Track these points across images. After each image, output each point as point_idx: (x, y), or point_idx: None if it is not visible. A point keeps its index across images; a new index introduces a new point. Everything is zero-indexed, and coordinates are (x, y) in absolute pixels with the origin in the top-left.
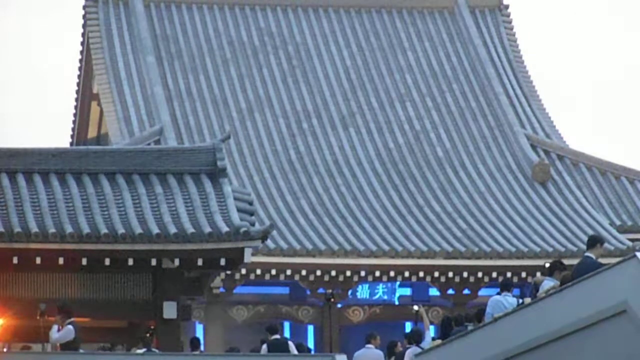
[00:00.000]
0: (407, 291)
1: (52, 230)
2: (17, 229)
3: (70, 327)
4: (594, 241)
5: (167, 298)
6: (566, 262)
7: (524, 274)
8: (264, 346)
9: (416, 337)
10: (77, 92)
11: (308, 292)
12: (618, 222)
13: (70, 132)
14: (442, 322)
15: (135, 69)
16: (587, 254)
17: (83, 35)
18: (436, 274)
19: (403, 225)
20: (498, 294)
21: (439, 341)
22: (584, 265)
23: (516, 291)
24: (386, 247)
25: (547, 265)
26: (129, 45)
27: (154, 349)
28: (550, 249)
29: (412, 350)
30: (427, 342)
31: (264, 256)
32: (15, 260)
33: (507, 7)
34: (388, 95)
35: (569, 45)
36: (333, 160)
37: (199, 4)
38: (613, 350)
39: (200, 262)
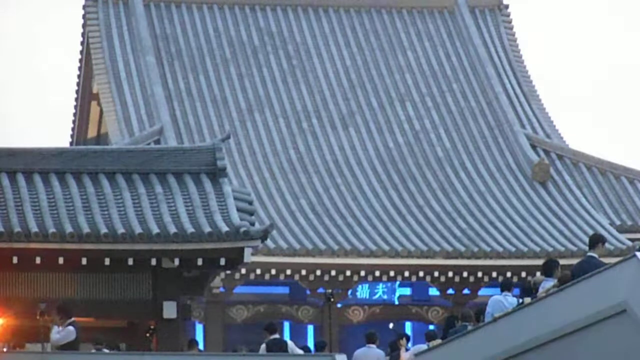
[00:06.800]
0: (407, 291)
1: (52, 230)
2: (17, 229)
3: (71, 328)
4: (596, 240)
5: (167, 298)
6: (566, 262)
7: (524, 274)
8: (263, 346)
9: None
10: (77, 92)
11: (308, 292)
12: (618, 222)
13: (70, 132)
14: (446, 321)
15: (135, 69)
16: (590, 253)
17: (83, 35)
18: (436, 274)
19: (403, 225)
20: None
21: (439, 341)
22: (590, 265)
23: (516, 291)
24: (386, 247)
25: (542, 264)
26: (129, 45)
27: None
28: (550, 249)
29: (415, 348)
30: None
31: (264, 256)
32: (15, 260)
33: (507, 7)
34: (388, 95)
35: (569, 45)
36: (333, 160)
37: (199, 4)
38: (613, 350)
39: (200, 261)
